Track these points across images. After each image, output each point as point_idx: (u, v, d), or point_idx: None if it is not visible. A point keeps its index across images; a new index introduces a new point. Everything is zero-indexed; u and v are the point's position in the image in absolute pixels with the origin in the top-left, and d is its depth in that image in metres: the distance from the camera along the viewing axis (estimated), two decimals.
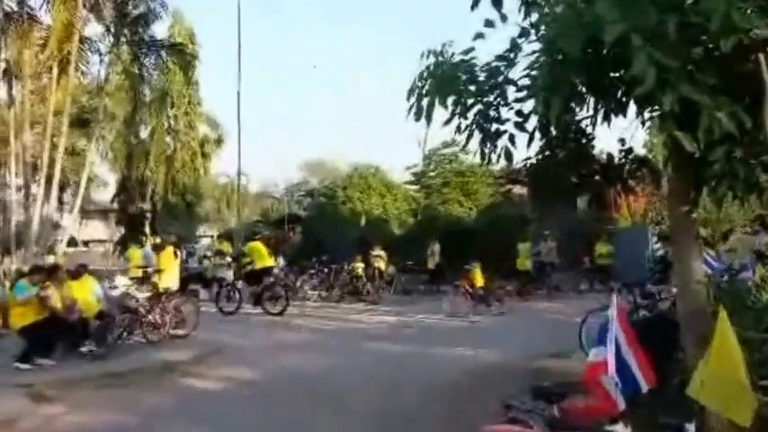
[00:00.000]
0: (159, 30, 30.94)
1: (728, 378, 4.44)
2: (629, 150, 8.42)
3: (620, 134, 7.84)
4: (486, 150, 7.44)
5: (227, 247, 26.92)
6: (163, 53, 27.16)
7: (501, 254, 26.42)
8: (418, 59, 7.26)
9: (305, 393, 11.08)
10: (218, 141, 40.36)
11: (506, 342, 15.09)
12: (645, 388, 4.84)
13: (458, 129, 7.30)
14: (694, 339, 6.89)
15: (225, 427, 9.48)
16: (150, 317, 15.20)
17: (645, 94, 5.44)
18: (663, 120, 5.71)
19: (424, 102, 7.22)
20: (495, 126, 7.24)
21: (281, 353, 14.49)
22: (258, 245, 21.91)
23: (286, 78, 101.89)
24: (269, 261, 21.52)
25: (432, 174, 38.72)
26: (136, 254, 22.00)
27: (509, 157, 7.77)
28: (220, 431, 9.36)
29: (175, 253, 18.41)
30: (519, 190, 37.82)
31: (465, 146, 7.42)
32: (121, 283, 16.11)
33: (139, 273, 17.33)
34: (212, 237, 41.46)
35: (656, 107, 5.79)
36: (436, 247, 26.52)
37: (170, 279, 16.52)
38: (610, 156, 8.34)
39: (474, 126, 7.27)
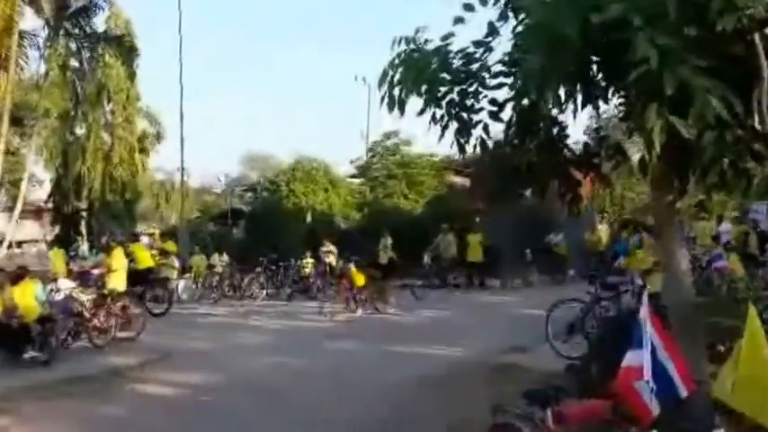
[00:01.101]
0: (96, 22, 30.20)
1: (760, 379, 4.16)
2: (604, 138, 8.21)
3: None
4: (462, 141, 7.16)
5: (171, 245, 26.23)
6: (104, 46, 26.34)
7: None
8: (389, 47, 6.95)
9: (262, 398, 10.61)
10: (158, 136, 39.37)
11: (469, 337, 14.78)
12: (683, 393, 4.53)
13: (432, 119, 6.98)
14: (683, 332, 6.68)
15: None
16: (96, 320, 14.63)
17: (642, 79, 5.19)
18: (660, 105, 5.43)
19: (396, 91, 6.90)
20: (471, 115, 6.95)
21: (234, 355, 13.99)
22: (138, 246, 21.39)
23: (224, 72, 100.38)
24: (148, 262, 20.93)
25: (376, 166, 38.23)
26: (58, 256, 21.27)
27: (485, 147, 7.49)
28: None
29: (128, 254, 17.83)
30: (462, 180, 37.81)
31: (441, 137, 7.06)
32: (65, 285, 15.44)
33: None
34: (152, 235, 40.38)
35: (652, 92, 5.49)
36: (388, 241, 26.08)
37: (118, 280, 15.87)
38: (586, 144, 8.09)
39: (450, 115, 6.96)
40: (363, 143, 39.39)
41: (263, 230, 30.89)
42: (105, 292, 15.36)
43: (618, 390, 4.48)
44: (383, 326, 17.83)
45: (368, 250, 24.72)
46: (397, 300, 21.37)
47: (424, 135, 44.11)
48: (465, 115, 6.93)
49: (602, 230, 28.85)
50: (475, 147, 7.30)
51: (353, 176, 40.46)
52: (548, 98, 5.62)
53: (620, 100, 7.09)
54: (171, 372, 12.66)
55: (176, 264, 25.07)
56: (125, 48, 29.35)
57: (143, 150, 38.38)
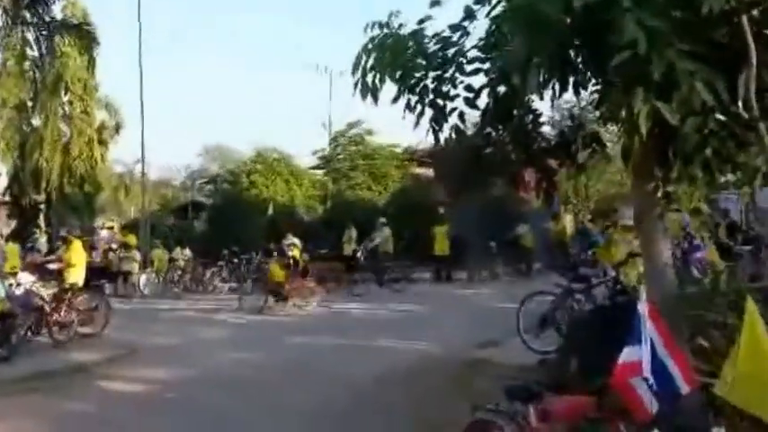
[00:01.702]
0: (53, 10, 29.49)
1: (760, 374, 4.02)
2: (580, 126, 8.07)
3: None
4: (437, 129, 6.99)
5: (132, 239, 25.82)
6: (62, 34, 25.70)
7: (417, 239, 26.11)
8: (362, 31, 6.73)
9: (229, 393, 10.30)
10: (117, 128, 38.60)
11: (438, 331, 14.56)
12: (685, 390, 4.37)
13: (407, 106, 6.78)
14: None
15: None
16: (57, 315, 14.19)
17: (627, 63, 5.04)
18: (645, 90, 5.28)
19: (369, 77, 6.69)
20: (447, 102, 6.77)
21: (200, 350, 13.72)
22: (12, 246, 20.93)
23: (184, 63, 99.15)
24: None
25: (339, 157, 37.93)
26: (13, 252, 20.76)
27: (460, 135, 7.32)
28: None
29: (92, 247, 17.43)
30: (425, 171, 37.69)
31: (416, 124, 6.86)
32: (25, 280, 15.00)
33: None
34: (112, 228, 39.72)
35: (636, 77, 5.34)
36: (353, 233, 25.94)
37: (78, 275, 15.44)
38: (562, 133, 7.95)
39: (425, 102, 6.77)
40: (326, 134, 38.90)
41: (224, 223, 30.46)
42: (66, 286, 14.94)
43: (614, 386, 4.31)
44: (350, 320, 17.65)
45: (332, 242, 24.54)
46: (362, 292, 21.24)
47: (388, 125, 44.03)
48: (441, 102, 6.75)
49: (567, 220, 28.92)
50: (450, 134, 7.13)
51: (316, 168, 40.16)
52: (530, 83, 5.43)
53: (595, 87, 6.96)
54: (136, 367, 12.35)
55: (138, 257, 24.66)
56: (83, 37, 28.68)
57: (102, 142, 37.60)
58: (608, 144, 8.46)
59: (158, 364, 12.50)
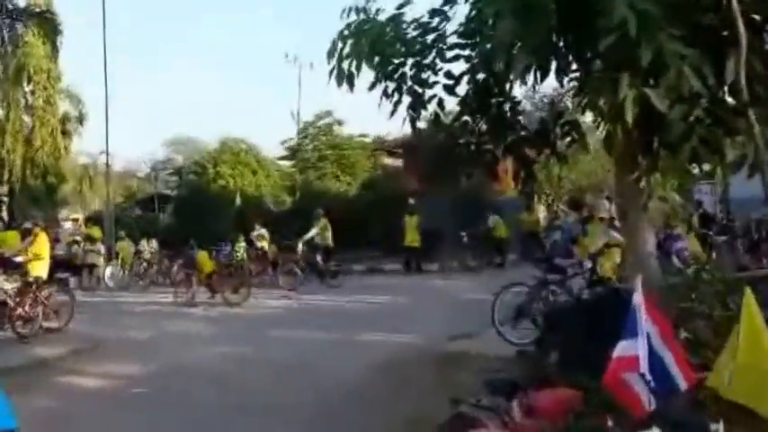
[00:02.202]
0: None
1: (759, 366, 3.87)
2: (560, 114, 7.93)
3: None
4: (415, 116, 6.81)
5: (97, 231, 25.38)
6: (25, 23, 25.15)
7: (387, 230, 25.93)
8: (338, 17, 6.53)
9: (201, 387, 10.05)
10: (80, 119, 37.96)
11: (412, 323, 14.37)
12: (684, 386, 4.20)
13: (385, 93, 6.59)
14: None
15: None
16: (20, 309, 13.89)
17: (614, 47, 4.90)
18: (632, 75, 5.13)
19: (346, 64, 6.49)
20: (425, 90, 6.59)
21: (168, 344, 13.43)
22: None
23: (147, 52, 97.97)
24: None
25: (307, 147, 37.59)
26: None
27: (439, 123, 7.17)
28: None
29: (56, 239, 17.02)
30: (394, 161, 37.54)
31: (393, 112, 6.67)
32: None
33: None
34: (76, 220, 39.04)
35: (623, 62, 5.19)
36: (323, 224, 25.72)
37: (43, 267, 15.08)
38: (543, 121, 7.81)
39: (401, 90, 6.59)
40: (295, 124, 38.50)
41: (190, 215, 30.05)
42: (30, 279, 14.57)
43: (606, 382, 4.13)
44: (324, 313, 17.39)
45: (301, 233, 24.23)
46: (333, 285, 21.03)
47: (356, 115, 43.91)
48: (419, 89, 6.57)
49: (540, 211, 28.89)
50: (428, 123, 6.97)
51: (284, 158, 39.84)
52: (516, 69, 5.27)
53: (574, 75, 6.83)
54: (103, 362, 11.96)
55: (102, 250, 24.25)
56: (46, 25, 28.13)
57: (65, 133, 36.92)
58: (587, 133, 8.31)
59: (125, 359, 12.20)
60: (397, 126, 33.71)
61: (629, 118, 5.10)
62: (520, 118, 7.78)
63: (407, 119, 6.79)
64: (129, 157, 55.34)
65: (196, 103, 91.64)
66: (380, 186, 31.64)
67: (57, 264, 18.32)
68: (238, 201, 32.60)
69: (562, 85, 6.78)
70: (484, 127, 7.68)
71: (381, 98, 6.58)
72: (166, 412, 8.94)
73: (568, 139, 7.82)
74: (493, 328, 12.17)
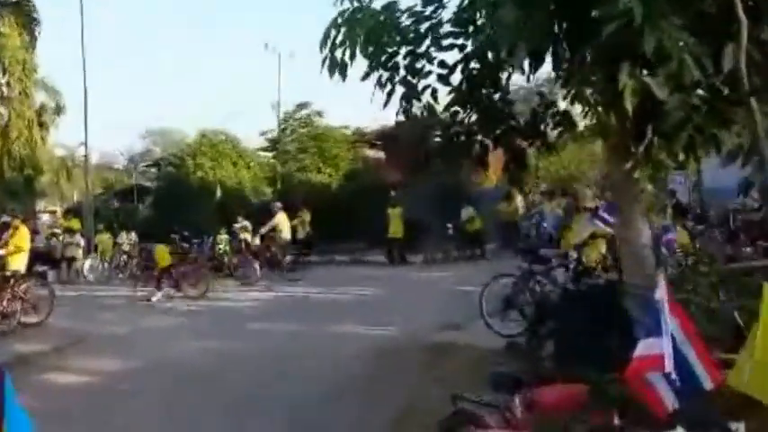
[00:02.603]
0: None
1: None
2: (551, 104, 7.85)
3: None
4: (409, 107, 6.70)
5: (76, 223, 25.07)
6: (1, 12, 24.75)
7: (371, 221, 25.78)
8: (331, 5, 6.39)
9: (187, 382, 9.94)
10: (57, 110, 37.42)
11: (399, 315, 14.24)
12: (709, 386, 4.08)
13: (378, 83, 6.46)
14: (643, 309, 6.37)
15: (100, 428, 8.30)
16: None
17: (614, 35, 4.81)
18: (633, 64, 5.05)
19: (339, 53, 6.36)
20: (420, 79, 6.48)
21: (152, 339, 13.22)
22: None
23: (125, 43, 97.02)
24: None
25: (288, 139, 37.27)
26: None
27: (433, 113, 7.06)
28: None
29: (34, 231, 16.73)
30: (375, 153, 37.37)
31: (387, 102, 6.55)
32: None
33: None
34: (53, 212, 38.57)
35: (623, 50, 5.10)
36: (306, 216, 25.54)
37: (21, 261, 14.83)
38: (534, 112, 7.71)
39: (393, 80, 6.47)
40: (275, 115, 38.10)
41: (171, 207, 29.62)
42: (8, 273, 14.34)
43: (628, 382, 4.02)
44: (308, 305, 17.27)
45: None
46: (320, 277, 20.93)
47: (337, 107, 43.66)
48: (413, 79, 6.45)
49: (518, 201, 28.83)
50: (422, 113, 6.86)
51: (265, 149, 39.46)
52: (518, 56, 5.16)
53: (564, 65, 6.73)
54: (85, 358, 11.80)
55: (82, 243, 23.95)
56: (22, 15, 27.68)
57: (42, 124, 36.35)
58: (580, 123, 8.25)
59: (107, 354, 12.04)
60: (376, 118, 33.64)
61: (629, 107, 5.02)
62: (510, 109, 7.67)
63: (401, 110, 6.66)
64: (105, 149, 54.83)
65: (173, 94, 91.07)
66: (363, 178, 31.46)
67: (35, 257, 18.07)
68: (219, 193, 32.33)
69: (558, 75, 6.67)
70: (474, 117, 7.58)
71: (375, 88, 6.45)
72: (151, 409, 8.79)
73: (559, 129, 7.75)
74: (479, 319, 12.12)
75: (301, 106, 37.11)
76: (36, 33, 31.57)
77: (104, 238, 25.62)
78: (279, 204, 24.44)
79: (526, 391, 5.01)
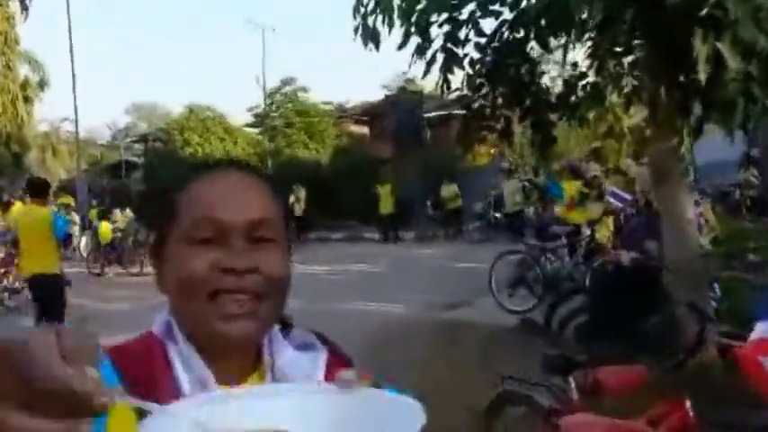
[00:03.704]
0: None
1: None
2: (582, 76, 7.62)
3: None
4: (450, 77, 6.43)
5: (70, 200, 24.65)
6: None
7: (362, 198, 25.53)
8: None
9: None
10: (42, 84, 36.70)
11: (404, 293, 13.84)
12: None
13: (418, 51, 6.19)
14: (689, 288, 6.19)
15: None
16: (6, 281, 13.77)
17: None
18: (706, 30, 4.81)
19: (371, 21, 6.08)
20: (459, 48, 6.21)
21: (154, 316, 12.83)
22: None
23: (107, 16, 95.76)
24: None
25: (274, 114, 36.90)
26: None
27: (474, 86, 6.82)
28: None
29: None
30: (359, 129, 37.19)
31: (426, 72, 6.28)
32: None
33: None
34: None
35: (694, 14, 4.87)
36: (302, 193, 25.27)
37: None
38: (567, 83, 7.48)
39: (436, 48, 6.20)
40: (260, 90, 37.72)
41: (161, 183, 29.36)
42: (13, 251, 14.04)
43: (742, 365, 3.80)
44: (309, 283, 16.97)
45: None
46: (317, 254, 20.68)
47: (318, 82, 43.19)
48: (457, 48, 6.19)
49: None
50: (463, 83, 6.61)
51: (251, 125, 39.12)
52: (594, 18, 4.90)
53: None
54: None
55: (77, 220, 23.57)
56: None
57: (27, 99, 35.66)
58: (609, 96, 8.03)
59: (118, 331, 11.65)
60: (358, 93, 33.67)
61: (703, 76, 4.78)
62: (539, 81, 7.44)
63: (441, 80, 6.39)
64: (89, 124, 54.23)
65: (157, 68, 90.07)
66: (352, 154, 31.20)
67: None
68: None
69: (597, 49, 6.47)
70: (499, 90, 7.36)
71: (412, 58, 6.18)
72: None
73: (589, 101, 7.55)
74: (484, 295, 12.01)
75: (286, 82, 36.78)
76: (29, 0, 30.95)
77: (104, 226, 24.95)
78: None
79: (582, 373, 4.78)
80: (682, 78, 5.95)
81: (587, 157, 21.74)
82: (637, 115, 16.34)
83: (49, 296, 9.49)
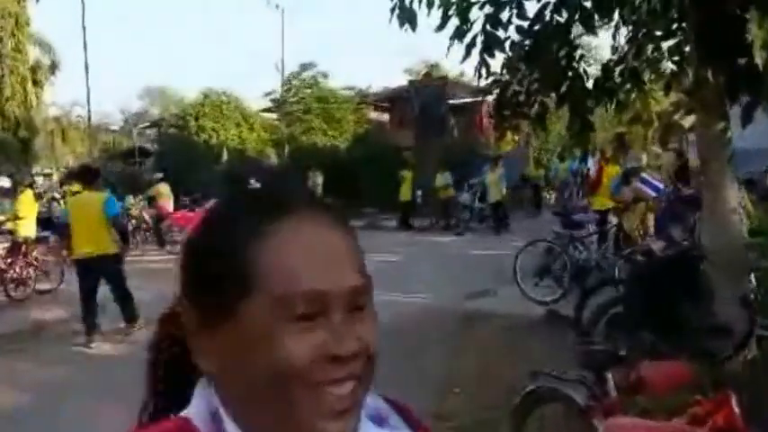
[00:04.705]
0: None
1: None
2: (621, 60, 7.37)
3: None
4: (489, 59, 6.18)
5: (78, 187, 24.36)
6: None
7: (383, 185, 25.25)
8: None
9: None
10: (52, 67, 36.31)
11: (424, 282, 13.70)
12: None
13: (457, 35, 5.92)
14: (731, 279, 5.94)
15: (136, 399, 7.68)
16: (12, 271, 13.30)
17: None
18: (763, 13, 4.55)
19: (408, 1, 5.83)
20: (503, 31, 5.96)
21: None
22: None
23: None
24: None
25: (292, 100, 36.46)
26: None
27: (512, 71, 6.58)
28: (130, 407, 7.50)
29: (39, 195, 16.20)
30: (379, 116, 36.86)
31: (466, 56, 6.02)
32: None
33: None
34: (48, 175, 37.66)
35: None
36: (318, 179, 25.03)
37: (29, 227, 14.34)
38: (606, 68, 7.23)
39: (477, 31, 5.94)
40: (279, 76, 37.24)
41: (176, 170, 29.07)
42: (20, 239, 13.86)
43: None
44: None
45: None
46: None
47: (339, 68, 42.94)
48: (499, 31, 5.93)
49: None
50: (502, 69, 6.37)
51: (268, 110, 38.68)
52: None
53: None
54: (106, 325, 11.10)
55: None
56: None
57: (36, 82, 35.21)
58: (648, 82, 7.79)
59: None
60: (380, 78, 33.53)
61: (760, 60, 4.52)
62: (578, 65, 7.17)
63: (480, 64, 6.14)
64: (100, 109, 53.94)
65: (171, 52, 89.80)
66: (373, 141, 30.89)
67: (37, 222, 17.52)
68: (225, 156, 31.73)
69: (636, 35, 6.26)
70: (535, 75, 7.12)
71: (451, 40, 5.91)
72: None
73: (627, 87, 7.32)
74: (507, 284, 11.87)
75: (305, 67, 36.34)
76: None
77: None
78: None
79: (621, 369, 4.50)
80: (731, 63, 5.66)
81: (611, 143, 21.43)
82: (665, 101, 16.00)
83: (111, 274, 10.35)
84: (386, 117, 36.60)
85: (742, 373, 5.36)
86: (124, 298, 10.62)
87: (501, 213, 22.30)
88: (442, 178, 24.22)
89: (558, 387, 4.68)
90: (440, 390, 7.44)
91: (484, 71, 6.28)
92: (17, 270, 13.37)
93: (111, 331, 10.79)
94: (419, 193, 25.24)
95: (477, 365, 8.12)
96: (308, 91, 35.87)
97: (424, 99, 30.11)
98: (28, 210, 14.54)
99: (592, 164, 25.56)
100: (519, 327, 9.83)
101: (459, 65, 21.22)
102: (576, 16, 5.81)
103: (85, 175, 11.26)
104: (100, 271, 10.22)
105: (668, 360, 4.88)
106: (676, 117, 29.06)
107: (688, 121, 31.62)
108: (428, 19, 5.97)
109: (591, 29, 5.92)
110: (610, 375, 4.43)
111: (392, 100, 35.09)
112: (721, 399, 4.11)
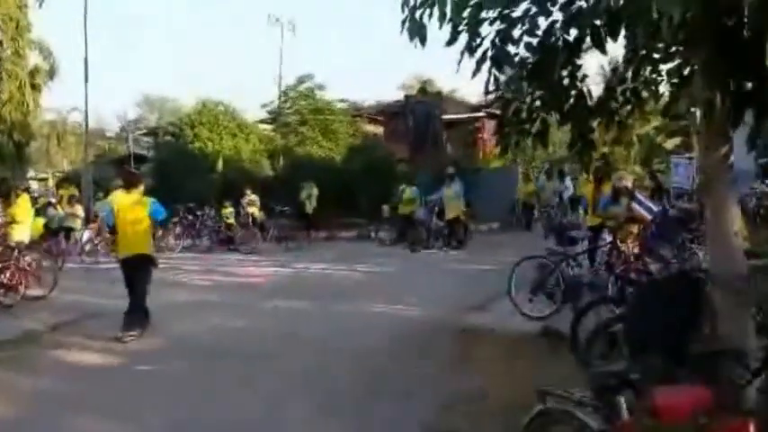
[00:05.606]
0: None
1: None
2: (623, 80, 7.35)
3: None
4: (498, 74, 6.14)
5: (74, 191, 24.44)
6: None
7: (378, 198, 25.17)
8: None
9: (206, 363, 9.37)
10: (51, 72, 36.16)
11: (418, 296, 13.72)
12: None
13: (468, 49, 5.88)
14: (732, 303, 5.89)
15: (131, 411, 7.54)
16: (3, 277, 13.16)
17: None
18: None
19: (418, 14, 5.79)
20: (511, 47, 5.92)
21: (165, 315, 12.23)
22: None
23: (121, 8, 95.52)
24: None
25: (288, 111, 36.60)
26: None
27: (519, 87, 6.54)
28: (126, 419, 7.34)
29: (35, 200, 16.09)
30: (374, 129, 37.06)
31: (475, 73, 5.96)
32: None
33: None
34: (43, 180, 37.54)
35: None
36: (314, 191, 24.98)
37: (23, 231, 14.21)
38: (609, 88, 7.21)
39: (486, 46, 5.89)
40: (276, 88, 37.48)
41: (171, 178, 29.00)
42: (12, 244, 13.73)
43: None
44: (322, 283, 16.69)
45: (290, 200, 23.62)
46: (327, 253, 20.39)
47: (334, 80, 43.12)
48: (510, 47, 5.89)
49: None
50: (509, 84, 6.33)
51: (264, 122, 38.88)
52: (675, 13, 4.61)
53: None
54: (96, 335, 11.03)
55: (81, 213, 23.22)
56: None
57: (35, 87, 35.09)
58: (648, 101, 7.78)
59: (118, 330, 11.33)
60: (373, 92, 33.92)
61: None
62: (581, 84, 7.15)
63: (490, 80, 6.09)
64: (97, 116, 53.80)
65: (170, 62, 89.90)
66: (368, 153, 30.88)
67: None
68: (220, 165, 31.72)
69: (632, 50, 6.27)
70: (538, 93, 7.09)
71: (462, 56, 5.87)
72: (171, 391, 8.22)
73: (628, 107, 7.31)
74: (500, 299, 11.91)
75: (302, 79, 36.51)
76: None
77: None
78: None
79: (633, 393, 4.44)
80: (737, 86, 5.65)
81: (597, 161, 21.54)
82: (647, 125, 16.15)
83: (141, 271, 11.49)
84: (380, 130, 36.83)
85: (759, 398, 5.33)
86: (141, 299, 11.44)
87: (459, 230, 22.04)
88: (410, 192, 23.89)
89: (570, 410, 4.61)
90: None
91: (492, 86, 6.21)
92: (8, 275, 13.22)
93: (104, 338, 10.77)
94: (384, 208, 24.99)
95: (474, 380, 8.06)
96: (304, 102, 35.97)
97: (418, 113, 30.54)
98: (24, 215, 14.44)
99: (568, 184, 25.87)
100: (514, 342, 9.80)
101: (451, 81, 21.20)
102: (587, 33, 5.74)
103: (130, 180, 12.02)
104: (137, 268, 11.44)
105: (683, 385, 4.83)
106: (658, 139, 29.48)
107: (671, 143, 32.05)
108: (431, 33, 5.91)
109: (600, 47, 5.86)
110: (622, 399, 4.38)
111: (386, 114, 35.41)
112: (740, 425, 4.07)
